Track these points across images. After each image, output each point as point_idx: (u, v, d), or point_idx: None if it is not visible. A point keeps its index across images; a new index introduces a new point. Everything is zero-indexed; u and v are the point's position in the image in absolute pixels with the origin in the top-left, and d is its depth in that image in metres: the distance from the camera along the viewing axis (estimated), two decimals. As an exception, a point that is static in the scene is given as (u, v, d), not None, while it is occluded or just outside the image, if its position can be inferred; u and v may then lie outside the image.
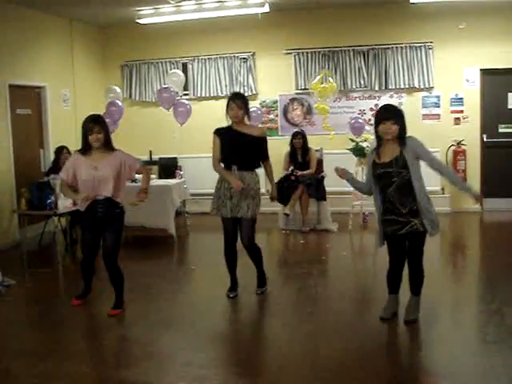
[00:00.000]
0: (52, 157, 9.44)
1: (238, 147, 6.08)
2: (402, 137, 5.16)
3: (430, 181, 10.28)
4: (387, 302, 5.55)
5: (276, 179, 9.60)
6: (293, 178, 9.61)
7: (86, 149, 5.75)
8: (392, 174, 5.12)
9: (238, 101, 6.06)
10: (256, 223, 6.25)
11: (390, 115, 5.15)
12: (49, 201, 7.77)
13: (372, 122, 10.75)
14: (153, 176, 9.57)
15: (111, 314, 5.83)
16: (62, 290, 7.28)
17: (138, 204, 5.98)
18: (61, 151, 8.93)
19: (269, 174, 6.45)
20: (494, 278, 6.87)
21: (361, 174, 9.50)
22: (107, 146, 5.78)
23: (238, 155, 6.11)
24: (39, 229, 9.12)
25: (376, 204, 5.36)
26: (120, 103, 9.94)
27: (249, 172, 6.14)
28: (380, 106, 5.75)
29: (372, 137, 9.55)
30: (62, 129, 10.38)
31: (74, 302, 6.15)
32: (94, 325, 5.84)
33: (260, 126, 10.67)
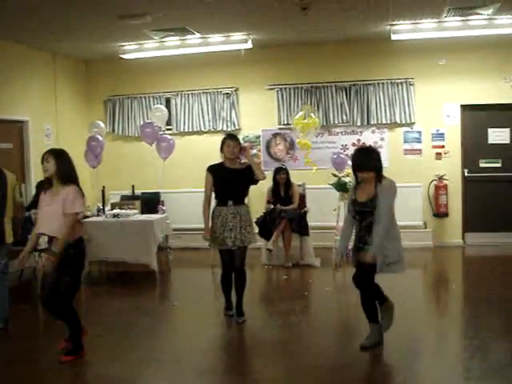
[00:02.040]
0: (34, 191, 9.37)
1: (233, 184, 6.57)
2: (379, 177, 5.45)
3: (412, 215, 10.52)
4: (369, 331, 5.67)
5: (258, 214, 9.72)
6: (276, 208, 9.64)
7: (47, 182, 5.67)
8: (366, 214, 5.43)
9: (235, 140, 6.69)
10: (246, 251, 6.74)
11: (365, 165, 5.44)
12: (29, 236, 7.68)
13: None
14: (135, 211, 9.54)
15: (63, 360, 5.55)
16: (41, 327, 7.17)
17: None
18: (42, 186, 8.86)
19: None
20: (476, 313, 6.86)
21: (343, 208, 9.50)
22: (61, 179, 5.57)
23: (233, 191, 6.59)
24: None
25: (346, 230, 5.73)
26: (100, 138, 9.93)
27: (243, 205, 6.66)
28: (355, 149, 6.12)
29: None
30: (44, 163, 10.32)
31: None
32: (74, 363, 5.73)
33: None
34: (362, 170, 5.43)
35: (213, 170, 6.68)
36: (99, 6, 8.02)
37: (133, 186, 11.18)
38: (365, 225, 5.44)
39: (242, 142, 10.98)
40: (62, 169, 5.59)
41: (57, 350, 5.71)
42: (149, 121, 10.24)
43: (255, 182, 6.69)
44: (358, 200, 5.50)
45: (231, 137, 6.74)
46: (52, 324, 5.91)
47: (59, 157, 5.63)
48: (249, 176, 6.59)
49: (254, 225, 7.26)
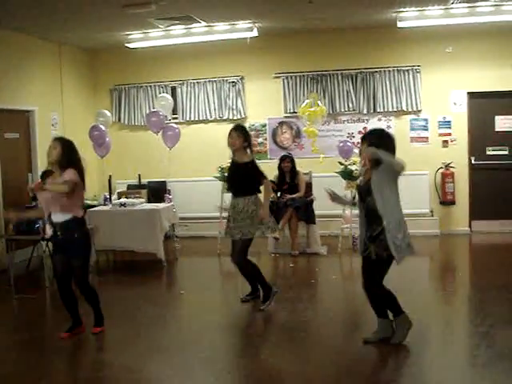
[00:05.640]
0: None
1: (232, 175, 6.79)
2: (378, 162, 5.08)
3: (419, 203, 10.50)
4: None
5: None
6: (283, 198, 9.62)
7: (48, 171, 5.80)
8: (363, 199, 5.29)
9: (237, 131, 6.65)
10: (249, 244, 6.65)
11: (362, 138, 5.34)
12: (37, 225, 7.72)
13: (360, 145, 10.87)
14: (142, 200, 9.56)
15: (94, 331, 5.91)
16: (48, 315, 7.21)
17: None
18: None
19: (263, 193, 6.76)
20: (482, 301, 6.86)
21: (349, 196, 9.50)
22: (62, 164, 5.69)
23: (232, 183, 6.82)
24: (27, 253, 9.03)
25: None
26: (103, 128, 9.91)
27: (241, 197, 6.62)
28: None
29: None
30: (51, 153, 10.33)
31: (63, 335, 5.87)
32: (79, 351, 5.77)
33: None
34: (361, 144, 5.32)
35: (230, 163, 6.92)
36: (104, -5, 8.02)
37: (139, 175, 11.20)
38: (363, 214, 5.35)
39: (247, 130, 11.13)
40: (66, 157, 5.68)
41: (60, 337, 5.77)
42: (154, 110, 10.23)
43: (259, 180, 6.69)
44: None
45: (234, 128, 6.77)
46: (58, 312, 5.92)
47: (66, 146, 5.72)
48: (248, 172, 6.62)
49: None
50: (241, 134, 6.64)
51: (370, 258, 5.25)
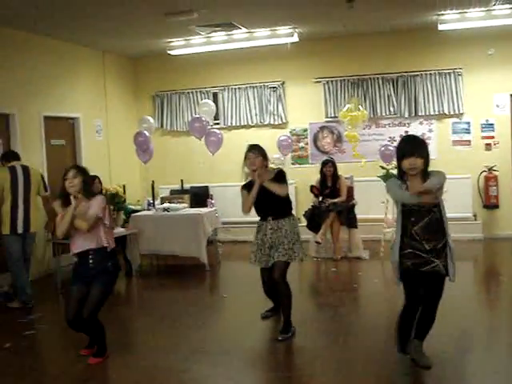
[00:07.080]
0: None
1: (267, 198, 6.07)
2: (426, 171, 4.74)
3: (462, 207, 10.36)
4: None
5: (306, 207, 9.78)
6: (325, 203, 9.60)
7: (64, 196, 5.42)
8: (424, 212, 4.73)
9: (254, 150, 6.24)
10: (289, 266, 6.11)
11: (413, 150, 4.70)
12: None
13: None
14: (184, 205, 9.67)
15: (91, 362, 5.45)
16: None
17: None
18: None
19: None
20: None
21: (391, 200, 9.48)
22: (85, 192, 5.43)
23: (270, 205, 6.11)
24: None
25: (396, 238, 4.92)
26: (147, 133, 10.05)
27: (285, 218, 6.13)
28: (402, 138, 5.12)
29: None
30: (95, 159, 10.55)
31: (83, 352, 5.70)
32: (127, 353, 5.86)
33: (288, 155, 10.84)
34: (410, 156, 4.62)
35: (246, 187, 6.32)
36: (146, 4, 8.15)
37: (182, 181, 11.32)
38: (419, 228, 4.71)
39: (289, 135, 11.18)
40: (88, 184, 5.58)
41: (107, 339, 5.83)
42: (197, 115, 10.33)
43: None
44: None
45: (250, 148, 6.30)
46: (104, 314, 6.00)
47: (85, 173, 5.56)
48: (282, 180, 6.12)
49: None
50: (259, 153, 6.19)
51: (438, 274, 4.81)
